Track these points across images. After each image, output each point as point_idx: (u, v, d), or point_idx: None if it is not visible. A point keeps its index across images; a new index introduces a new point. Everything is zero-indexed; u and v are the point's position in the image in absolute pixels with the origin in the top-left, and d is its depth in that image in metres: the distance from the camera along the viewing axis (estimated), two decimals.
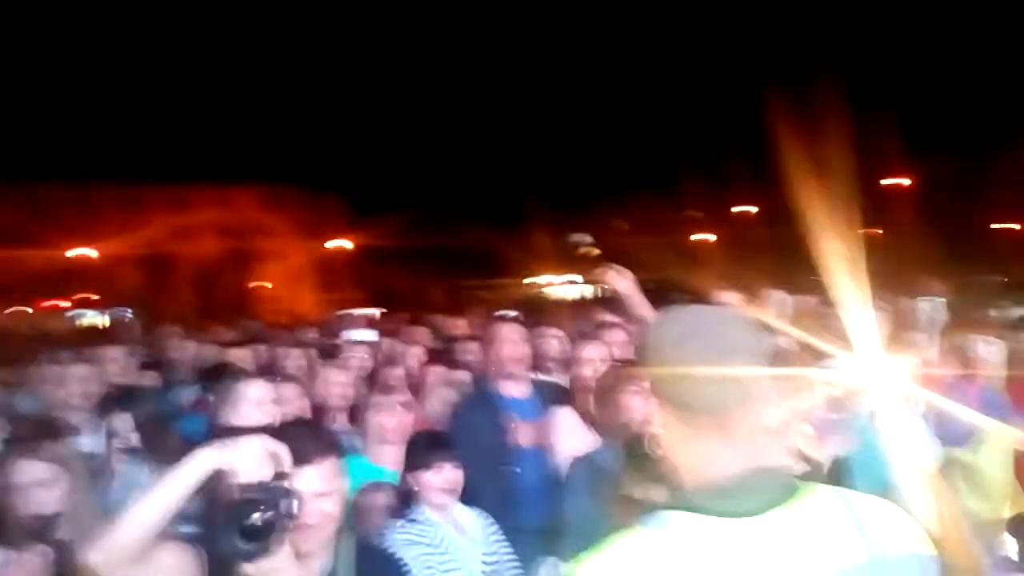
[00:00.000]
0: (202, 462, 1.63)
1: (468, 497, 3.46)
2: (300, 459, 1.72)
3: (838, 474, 2.58)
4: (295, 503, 1.62)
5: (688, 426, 1.25)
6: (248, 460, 1.60)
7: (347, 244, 43.29)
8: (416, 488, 2.75)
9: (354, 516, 3.04)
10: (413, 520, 2.69)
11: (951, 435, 3.35)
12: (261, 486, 1.59)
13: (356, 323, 8.84)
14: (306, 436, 1.81)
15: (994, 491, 3.18)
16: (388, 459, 3.24)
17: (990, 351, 3.73)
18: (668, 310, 1.34)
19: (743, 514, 1.17)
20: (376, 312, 18.66)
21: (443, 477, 2.74)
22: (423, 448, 2.82)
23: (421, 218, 38.30)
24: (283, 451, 1.65)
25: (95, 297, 38.42)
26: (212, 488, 2.02)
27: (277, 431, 1.75)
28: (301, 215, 51.72)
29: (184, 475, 1.63)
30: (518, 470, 3.47)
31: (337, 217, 49.80)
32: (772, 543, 1.16)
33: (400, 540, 2.59)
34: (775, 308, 5.76)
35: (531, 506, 3.34)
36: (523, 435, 3.53)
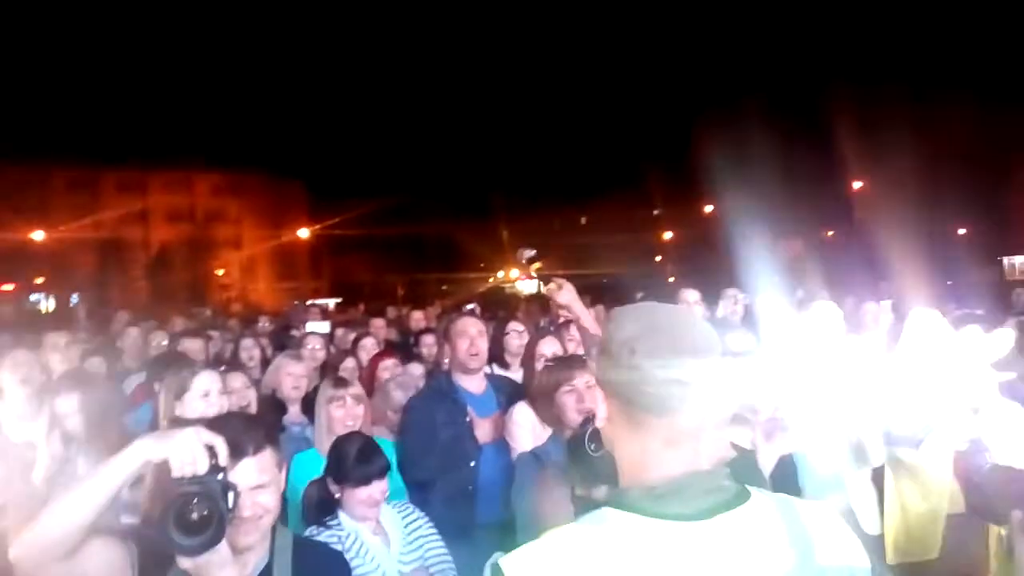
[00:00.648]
0: (135, 455, 1.57)
1: (424, 492, 3.42)
2: (237, 451, 1.67)
3: (785, 473, 2.61)
4: (232, 496, 1.57)
5: (633, 423, 1.23)
6: (183, 452, 1.55)
7: (306, 233, 42.75)
8: (339, 496, 2.63)
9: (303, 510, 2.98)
10: (327, 527, 2.58)
11: (896, 434, 3.42)
12: (197, 479, 1.54)
13: (312, 313, 8.72)
14: (243, 428, 1.75)
15: (936, 490, 3.26)
16: None
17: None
18: (626, 306, 1.32)
19: (679, 518, 1.15)
20: (332, 303, 18.49)
21: (369, 493, 2.61)
22: (351, 460, 2.66)
23: (384, 209, 38.00)
24: (219, 443, 1.59)
25: (40, 280, 37.32)
26: (150, 481, 1.96)
27: (213, 423, 1.69)
28: (260, 202, 50.94)
29: (116, 468, 1.56)
30: (472, 464, 3.45)
31: (297, 205, 49.13)
32: (705, 550, 1.14)
33: None
34: (731, 306, 5.84)
35: (488, 502, 3.32)
36: (479, 430, 3.51)
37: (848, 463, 3.23)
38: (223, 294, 36.93)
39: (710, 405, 1.23)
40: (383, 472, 2.67)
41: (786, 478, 2.58)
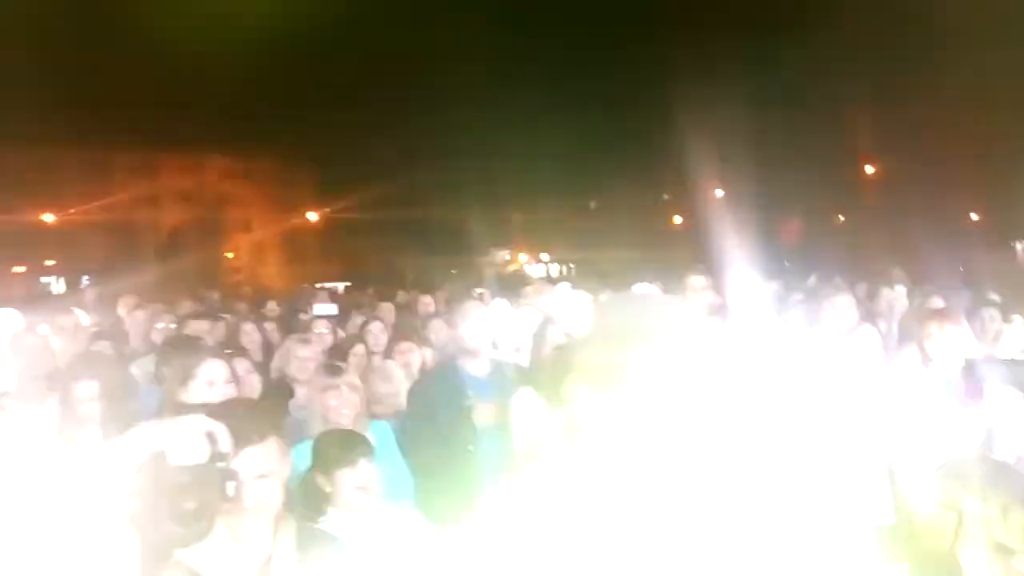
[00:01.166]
0: (135, 442, 1.55)
1: (423, 476, 3.40)
2: (240, 439, 1.64)
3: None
4: (231, 485, 1.55)
5: (619, 417, 1.20)
6: (183, 440, 1.52)
7: (315, 216, 42.76)
8: (328, 490, 2.56)
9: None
10: (316, 523, 2.48)
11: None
12: (196, 468, 1.52)
13: (320, 297, 8.71)
14: (246, 415, 1.72)
15: None
16: None
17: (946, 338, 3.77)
18: (613, 295, 1.29)
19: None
20: (341, 286, 18.51)
21: (359, 474, 2.55)
22: (336, 446, 2.61)
23: (394, 192, 37.95)
24: (221, 431, 1.57)
25: (51, 262, 37.56)
26: (150, 469, 1.94)
27: (216, 410, 1.66)
28: (270, 185, 50.95)
29: (118, 455, 1.54)
30: (470, 448, 3.44)
31: (307, 188, 49.13)
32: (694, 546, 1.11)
33: None
34: (740, 292, 5.78)
35: (486, 488, 3.30)
36: (479, 414, 3.50)
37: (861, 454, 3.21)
38: (233, 277, 37.08)
39: (697, 398, 1.19)
40: (368, 454, 2.62)
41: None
